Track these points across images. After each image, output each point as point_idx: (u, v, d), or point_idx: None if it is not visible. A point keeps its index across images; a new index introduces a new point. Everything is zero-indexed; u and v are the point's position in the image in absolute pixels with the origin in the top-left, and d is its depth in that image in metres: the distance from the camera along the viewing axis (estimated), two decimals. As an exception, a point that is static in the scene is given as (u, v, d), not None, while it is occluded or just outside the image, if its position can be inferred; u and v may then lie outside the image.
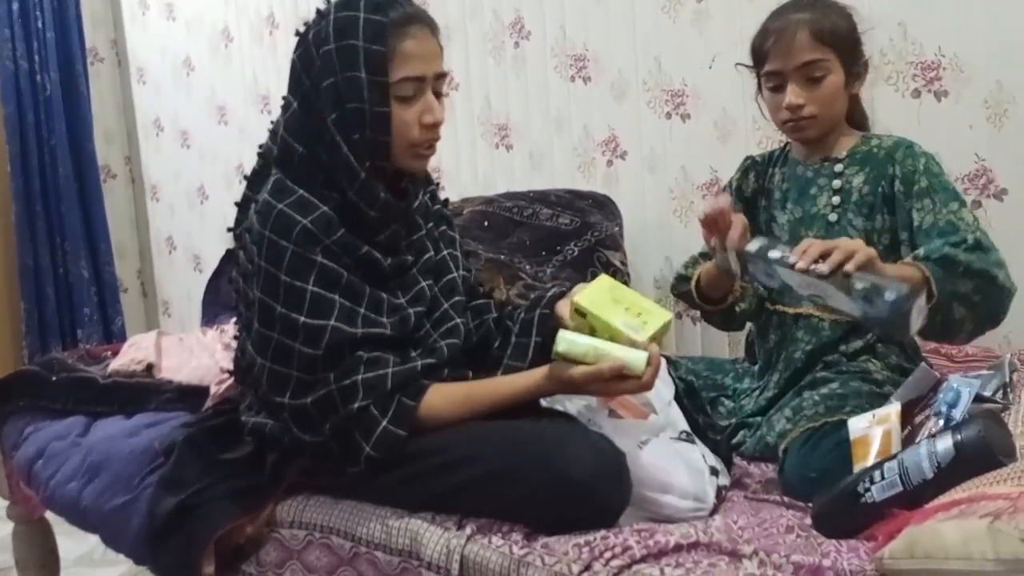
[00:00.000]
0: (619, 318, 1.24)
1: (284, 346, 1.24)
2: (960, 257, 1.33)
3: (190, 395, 1.79)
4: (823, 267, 1.21)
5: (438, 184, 1.49)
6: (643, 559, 1.07)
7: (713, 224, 1.39)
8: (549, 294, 1.43)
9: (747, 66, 1.55)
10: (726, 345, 2.19)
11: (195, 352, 2.03)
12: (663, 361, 1.42)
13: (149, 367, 1.97)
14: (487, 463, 1.19)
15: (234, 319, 1.42)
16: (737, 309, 1.58)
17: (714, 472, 1.29)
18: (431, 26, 1.29)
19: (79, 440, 1.68)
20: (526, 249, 2.13)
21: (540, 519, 1.17)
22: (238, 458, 1.35)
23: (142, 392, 1.83)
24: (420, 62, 1.25)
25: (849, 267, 1.20)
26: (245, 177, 1.38)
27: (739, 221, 1.38)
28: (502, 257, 2.09)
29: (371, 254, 1.28)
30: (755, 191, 1.63)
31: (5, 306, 3.50)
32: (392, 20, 1.23)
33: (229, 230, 1.38)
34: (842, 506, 1.13)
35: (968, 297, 1.34)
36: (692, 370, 1.59)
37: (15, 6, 3.41)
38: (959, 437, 1.05)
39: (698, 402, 1.44)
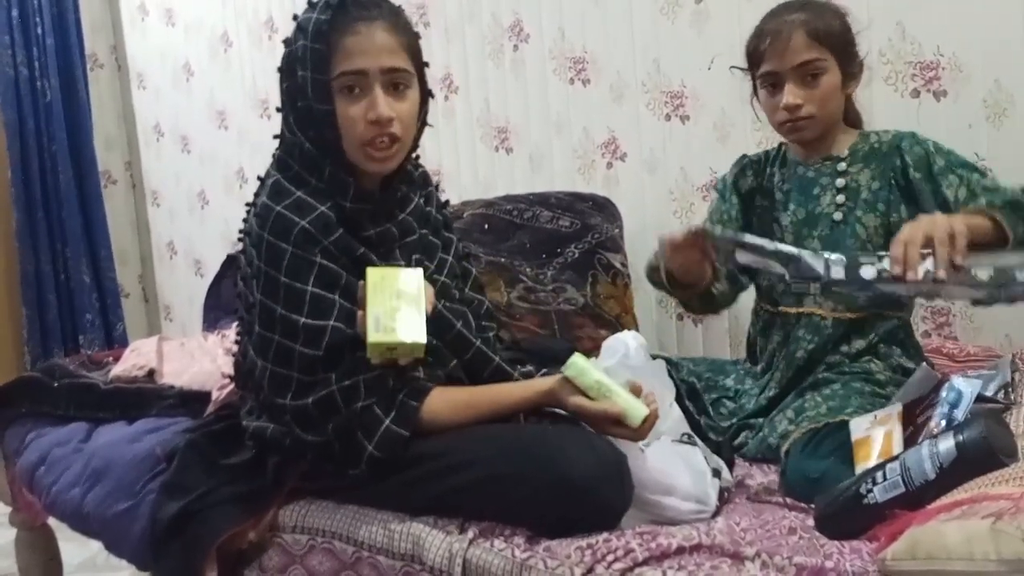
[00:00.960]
0: (379, 308, 1.21)
1: (285, 347, 1.24)
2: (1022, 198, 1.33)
3: (192, 400, 1.78)
4: (941, 274, 1.15)
5: (437, 186, 1.49)
6: (645, 561, 1.07)
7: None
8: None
9: (742, 69, 1.55)
10: (727, 346, 2.19)
11: (196, 357, 2.03)
12: (663, 363, 1.42)
13: (151, 373, 1.97)
14: (489, 466, 1.19)
15: (235, 323, 1.42)
16: (715, 291, 1.53)
17: (716, 474, 1.29)
18: (388, 20, 1.26)
19: (81, 446, 1.68)
20: (526, 252, 2.13)
21: (542, 522, 1.17)
22: (240, 463, 1.35)
23: (144, 398, 1.83)
24: (361, 57, 1.24)
25: (960, 261, 1.15)
26: (259, 178, 1.38)
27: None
28: (502, 260, 2.09)
29: (367, 256, 1.29)
30: (752, 189, 1.63)
31: (6, 312, 3.50)
32: (337, 17, 1.24)
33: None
34: (844, 507, 1.12)
35: None
36: (694, 372, 1.59)
37: (15, 13, 3.42)
38: (961, 437, 1.05)
39: (700, 404, 1.44)
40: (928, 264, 1.17)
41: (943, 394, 1.26)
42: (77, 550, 2.21)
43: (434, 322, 1.30)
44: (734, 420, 1.55)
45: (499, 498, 1.19)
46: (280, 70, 1.31)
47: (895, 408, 1.29)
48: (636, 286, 2.15)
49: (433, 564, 1.17)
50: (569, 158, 2.40)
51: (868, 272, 1.20)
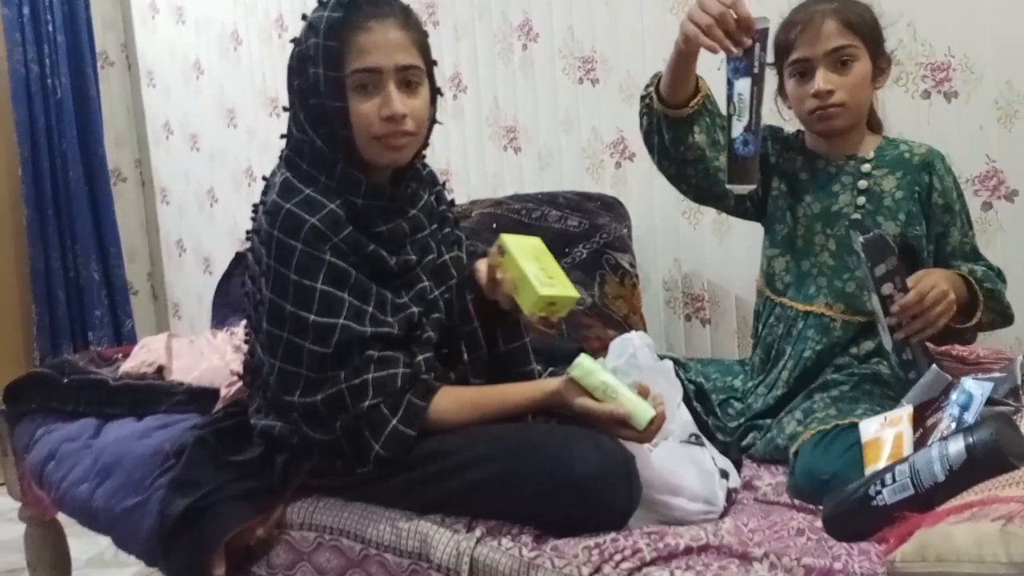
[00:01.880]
0: (532, 269, 1.26)
1: (294, 345, 1.24)
2: (1000, 293, 1.50)
3: (200, 397, 1.79)
4: (900, 333, 1.34)
5: (444, 185, 1.49)
6: (653, 562, 1.07)
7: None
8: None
9: (769, 64, 1.54)
10: (735, 347, 2.18)
11: (205, 354, 2.04)
12: (670, 364, 1.42)
13: (160, 369, 1.98)
14: (496, 465, 1.19)
15: (244, 321, 1.43)
16: (713, 160, 1.48)
17: (724, 474, 1.28)
18: (399, 18, 1.28)
19: (90, 442, 1.69)
20: (535, 251, 2.12)
21: (549, 521, 1.17)
22: (248, 460, 1.35)
23: (153, 394, 1.84)
24: (376, 54, 1.24)
25: (915, 339, 1.34)
26: (264, 178, 1.39)
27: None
28: (511, 259, 2.09)
29: (377, 252, 1.29)
30: (773, 167, 1.57)
31: (17, 309, 3.52)
32: (349, 15, 1.24)
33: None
34: (853, 509, 1.12)
35: (992, 323, 1.51)
36: (701, 372, 1.58)
37: (26, 11, 3.43)
38: (971, 440, 1.04)
39: (708, 404, 1.44)
40: (900, 333, 1.35)
41: (953, 396, 1.25)
42: (86, 545, 2.22)
43: (458, 315, 1.31)
44: (742, 421, 1.54)
45: (507, 497, 1.19)
46: (290, 68, 1.31)
47: (905, 410, 1.28)
48: (644, 286, 2.14)
49: (440, 562, 1.17)
50: (578, 158, 2.40)
51: (880, 268, 1.33)
